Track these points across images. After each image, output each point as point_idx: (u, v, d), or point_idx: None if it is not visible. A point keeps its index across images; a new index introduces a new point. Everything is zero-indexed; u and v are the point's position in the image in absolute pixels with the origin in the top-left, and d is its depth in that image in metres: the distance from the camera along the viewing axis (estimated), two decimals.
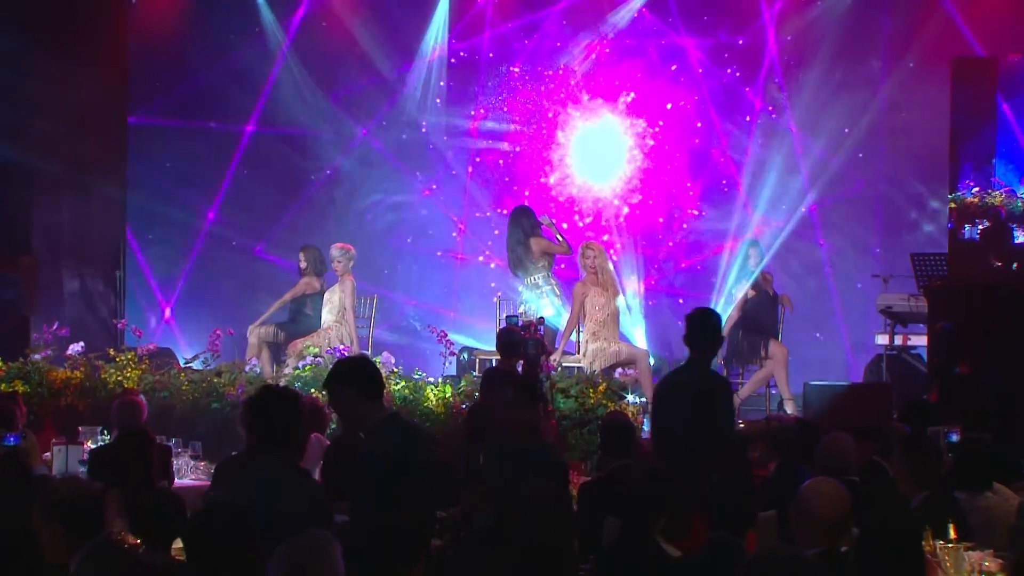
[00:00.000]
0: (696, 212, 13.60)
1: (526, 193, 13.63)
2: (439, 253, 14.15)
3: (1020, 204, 11.28)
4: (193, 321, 13.53)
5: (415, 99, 14.04)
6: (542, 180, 13.83)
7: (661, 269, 13.68)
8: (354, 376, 5.00)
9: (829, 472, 6.00)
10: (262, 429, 4.80)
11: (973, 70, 11.45)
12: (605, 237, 13.27)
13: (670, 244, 13.69)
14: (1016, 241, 11.18)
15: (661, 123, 13.59)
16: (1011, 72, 11.62)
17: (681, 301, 13.56)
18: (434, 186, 14.18)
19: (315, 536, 4.02)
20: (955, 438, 7.07)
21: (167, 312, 12.91)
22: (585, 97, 13.69)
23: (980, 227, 11.32)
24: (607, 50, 13.67)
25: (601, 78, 13.70)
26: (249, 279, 13.83)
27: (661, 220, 13.70)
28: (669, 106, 13.56)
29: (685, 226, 13.63)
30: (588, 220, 13.70)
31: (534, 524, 4.58)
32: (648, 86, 13.59)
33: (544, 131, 13.83)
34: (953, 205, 11.28)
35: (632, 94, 13.58)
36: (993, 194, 11.22)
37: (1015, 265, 10.83)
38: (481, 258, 13.98)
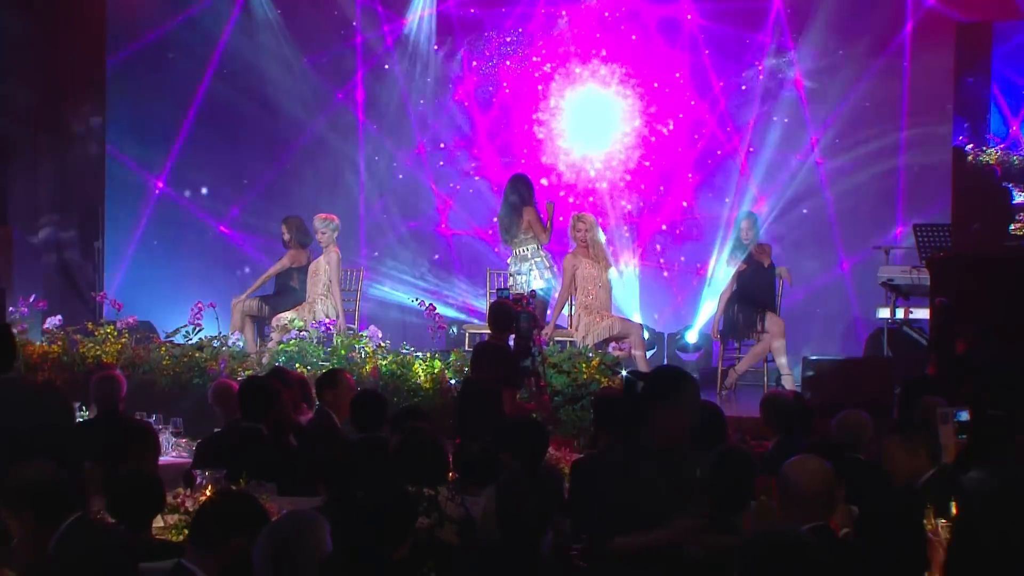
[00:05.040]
0: (691, 177, 13.37)
1: (522, 162, 13.37)
2: (413, 223, 13.87)
3: (1016, 161, 11.08)
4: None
5: (402, 64, 13.75)
6: (533, 146, 13.57)
7: (655, 241, 13.45)
8: None
9: (841, 447, 5.87)
10: None
11: (972, 33, 11.31)
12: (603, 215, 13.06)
13: (663, 216, 13.45)
14: (1014, 201, 10.99)
15: (656, 84, 13.33)
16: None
17: (666, 275, 13.41)
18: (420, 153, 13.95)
19: (301, 516, 4.00)
20: (965, 416, 6.91)
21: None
22: (577, 67, 13.44)
23: None
24: (605, 14, 13.38)
25: (594, 43, 13.42)
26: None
27: (661, 189, 13.45)
28: (669, 80, 13.33)
29: (684, 203, 13.38)
30: (571, 181, 13.45)
31: None
32: (643, 49, 13.33)
33: (534, 98, 13.56)
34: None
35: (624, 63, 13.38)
36: (988, 151, 11.05)
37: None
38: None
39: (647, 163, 13.40)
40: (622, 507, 4.55)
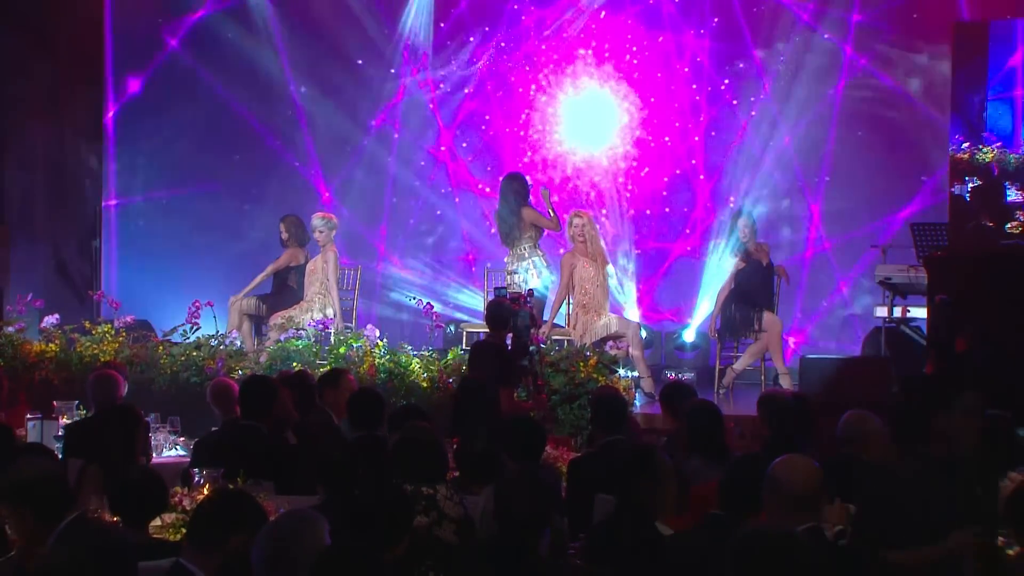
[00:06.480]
0: (701, 177, 13.28)
1: (521, 162, 13.27)
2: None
3: (1013, 160, 11.10)
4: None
5: (393, 59, 13.69)
6: (525, 146, 13.46)
7: (653, 239, 13.40)
8: None
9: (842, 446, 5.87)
10: None
11: (970, 32, 11.32)
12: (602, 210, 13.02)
13: (665, 210, 13.37)
14: (1008, 199, 11.00)
15: (658, 75, 13.17)
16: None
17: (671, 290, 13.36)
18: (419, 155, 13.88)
19: (299, 515, 4.00)
20: None
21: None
22: (587, 54, 13.28)
23: (971, 184, 11.15)
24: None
25: (593, 37, 13.25)
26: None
27: (659, 186, 13.38)
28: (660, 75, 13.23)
29: (685, 210, 13.30)
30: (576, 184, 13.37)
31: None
32: (644, 42, 13.14)
33: (530, 94, 13.41)
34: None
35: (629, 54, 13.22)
36: (984, 150, 11.06)
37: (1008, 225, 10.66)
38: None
39: (665, 178, 13.27)
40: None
